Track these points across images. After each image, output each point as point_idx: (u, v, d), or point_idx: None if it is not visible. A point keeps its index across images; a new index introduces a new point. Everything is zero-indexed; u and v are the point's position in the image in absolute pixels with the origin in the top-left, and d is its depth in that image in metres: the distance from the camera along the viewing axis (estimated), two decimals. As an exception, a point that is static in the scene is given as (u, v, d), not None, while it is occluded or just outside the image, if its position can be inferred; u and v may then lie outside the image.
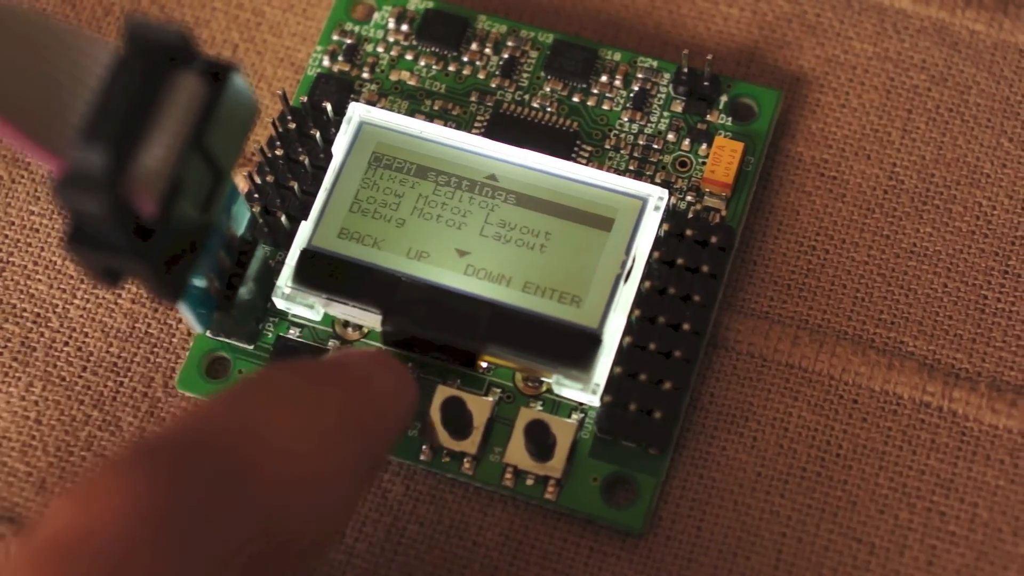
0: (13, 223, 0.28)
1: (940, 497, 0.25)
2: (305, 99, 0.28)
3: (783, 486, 0.26)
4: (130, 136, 0.20)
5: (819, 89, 0.29)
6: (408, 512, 0.26)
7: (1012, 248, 0.27)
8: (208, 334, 0.26)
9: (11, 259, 0.28)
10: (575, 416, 0.26)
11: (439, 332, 0.25)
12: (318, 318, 0.26)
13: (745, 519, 0.25)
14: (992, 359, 0.26)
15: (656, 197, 0.26)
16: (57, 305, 0.28)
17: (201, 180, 0.22)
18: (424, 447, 0.25)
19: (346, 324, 0.26)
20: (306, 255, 0.26)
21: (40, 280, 0.28)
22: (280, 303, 0.26)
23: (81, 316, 0.27)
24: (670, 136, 0.28)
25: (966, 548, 0.25)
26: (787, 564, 0.25)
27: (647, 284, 0.26)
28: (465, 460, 0.25)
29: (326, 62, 0.29)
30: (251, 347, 0.26)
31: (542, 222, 0.26)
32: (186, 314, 0.24)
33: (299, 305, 0.26)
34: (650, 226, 0.26)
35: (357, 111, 0.27)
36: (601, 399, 0.25)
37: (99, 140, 0.20)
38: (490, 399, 0.26)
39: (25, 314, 0.28)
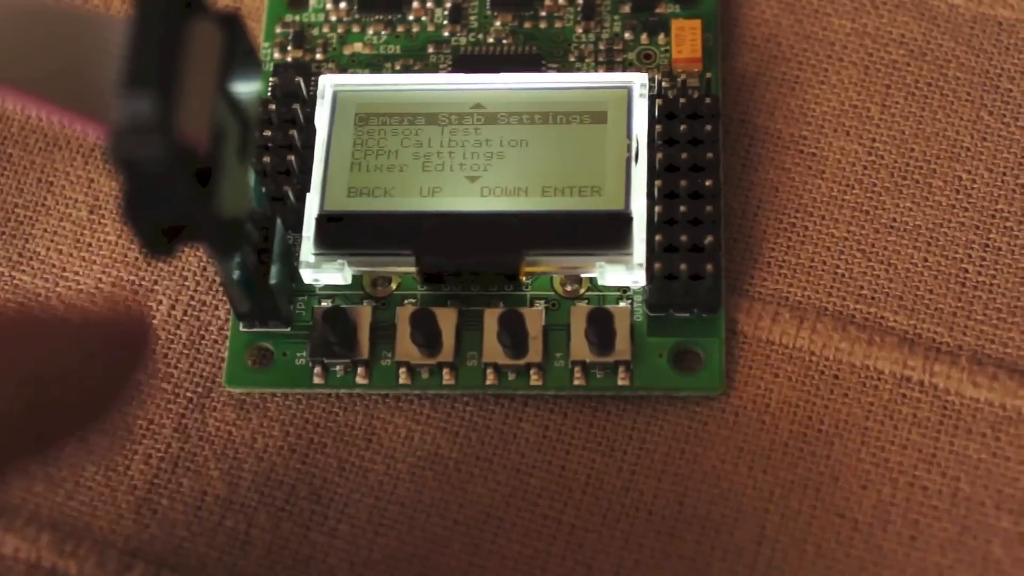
0: (-3, 215, 0.29)
1: (922, 471, 0.25)
2: (272, 83, 0.28)
3: (765, 462, 0.25)
4: (168, 81, 0.20)
5: (797, 66, 0.29)
6: (388, 492, 0.26)
7: (992, 221, 0.27)
8: (241, 327, 0.26)
9: (-4, 251, 0.28)
10: (622, 304, 0.26)
11: (475, 256, 0.26)
12: (347, 281, 0.27)
13: (727, 495, 0.25)
14: (973, 332, 0.26)
15: (639, 84, 0.27)
16: (40, 295, 0.28)
17: (232, 128, 0.22)
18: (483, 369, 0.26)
19: (375, 283, 0.27)
20: (323, 219, 0.26)
21: (24, 271, 0.28)
22: (308, 275, 0.26)
23: (63, 304, 0.28)
24: (627, 35, 0.29)
25: (949, 522, 0.25)
26: (770, 540, 0.25)
27: (660, 157, 0.27)
28: (532, 372, 0.26)
29: (277, 55, 0.29)
30: (288, 328, 0.27)
31: (539, 131, 0.27)
32: (233, 290, 0.25)
33: (327, 271, 0.26)
34: (641, 110, 0.27)
35: (327, 82, 0.28)
36: (647, 274, 0.26)
37: (144, 86, 0.20)
38: (540, 308, 0.26)
39: (8, 304, 0.28)
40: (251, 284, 0.26)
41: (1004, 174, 0.28)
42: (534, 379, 0.26)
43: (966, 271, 0.27)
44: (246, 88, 0.22)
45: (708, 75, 0.28)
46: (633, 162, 0.27)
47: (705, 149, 0.27)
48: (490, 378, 0.26)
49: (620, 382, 0.26)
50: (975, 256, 0.27)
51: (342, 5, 0.29)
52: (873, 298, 0.27)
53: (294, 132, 0.27)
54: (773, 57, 0.29)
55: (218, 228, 0.22)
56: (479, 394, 0.26)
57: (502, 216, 0.26)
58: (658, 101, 0.27)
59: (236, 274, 0.25)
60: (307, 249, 0.26)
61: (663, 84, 0.28)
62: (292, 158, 0.27)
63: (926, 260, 0.27)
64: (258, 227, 0.26)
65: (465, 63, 0.29)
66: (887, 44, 0.29)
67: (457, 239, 0.26)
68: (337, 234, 0.26)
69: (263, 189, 0.26)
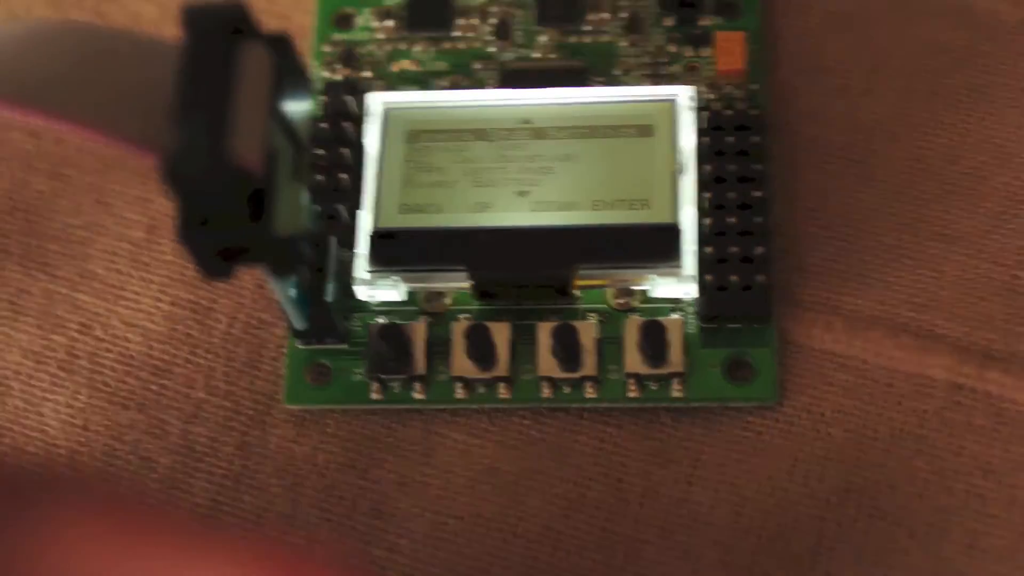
0: (57, 237, 0.29)
1: (979, 479, 0.25)
2: (323, 101, 0.28)
3: (821, 470, 0.26)
4: (221, 105, 0.21)
5: (842, 75, 0.29)
6: (447, 506, 0.26)
7: (1042, 227, 0.27)
8: (299, 344, 0.27)
9: (57, 273, 0.29)
10: (674, 316, 0.26)
11: (528, 270, 0.26)
12: (403, 297, 0.27)
13: (784, 503, 0.25)
14: (1026, 338, 0.26)
15: (685, 96, 0.28)
16: (100, 314, 0.28)
17: (285, 148, 0.22)
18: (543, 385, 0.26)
19: (429, 298, 0.27)
20: (376, 236, 0.27)
21: (84, 291, 0.28)
22: (362, 292, 0.27)
23: (123, 323, 0.28)
24: (671, 48, 0.29)
25: (1007, 530, 0.25)
26: (827, 549, 0.25)
27: (708, 169, 0.27)
28: (587, 385, 0.26)
29: (326, 74, 0.29)
30: (345, 345, 0.27)
31: (587, 145, 0.27)
32: (290, 309, 0.25)
33: (381, 288, 0.27)
34: (687, 123, 0.27)
35: (376, 100, 0.28)
36: (698, 286, 0.26)
37: (195, 112, 0.21)
38: (592, 321, 0.26)
39: (69, 324, 0.28)
40: (307, 302, 0.26)
41: (1052, 179, 0.28)
42: (589, 392, 0.26)
43: (1017, 277, 0.27)
44: (297, 108, 0.23)
45: (754, 86, 0.28)
46: (681, 175, 0.27)
47: (753, 160, 0.27)
48: (546, 392, 0.26)
49: (674, 394, 0.26)
50: (1025, 262, 0.27)
51: (388, 23, 0.30)
52: (924, 306, 0.27)
53: (346, 150, 0.28)
54: (818, 67, 0.29)
55: (274, 249, 0.22)
56: (535, 408, 0.27)
57: (553, 231, 0.27)
58: (704, 113, 0.27)
59: (292, 292, 0.25)
60: (361, 266, 0.27)
61: (709, 96, 0.28)
62: (344, 176, 0.27)
63: (976, 267, 0.27)
64: (312, 245, 0.26)
65: (512, 78, 0.29)
66: (931, 52, 0.29)
67: (509, 254, 0.26)
68: (390, 251, 0.27)
69: (316, 207, 0.27)
